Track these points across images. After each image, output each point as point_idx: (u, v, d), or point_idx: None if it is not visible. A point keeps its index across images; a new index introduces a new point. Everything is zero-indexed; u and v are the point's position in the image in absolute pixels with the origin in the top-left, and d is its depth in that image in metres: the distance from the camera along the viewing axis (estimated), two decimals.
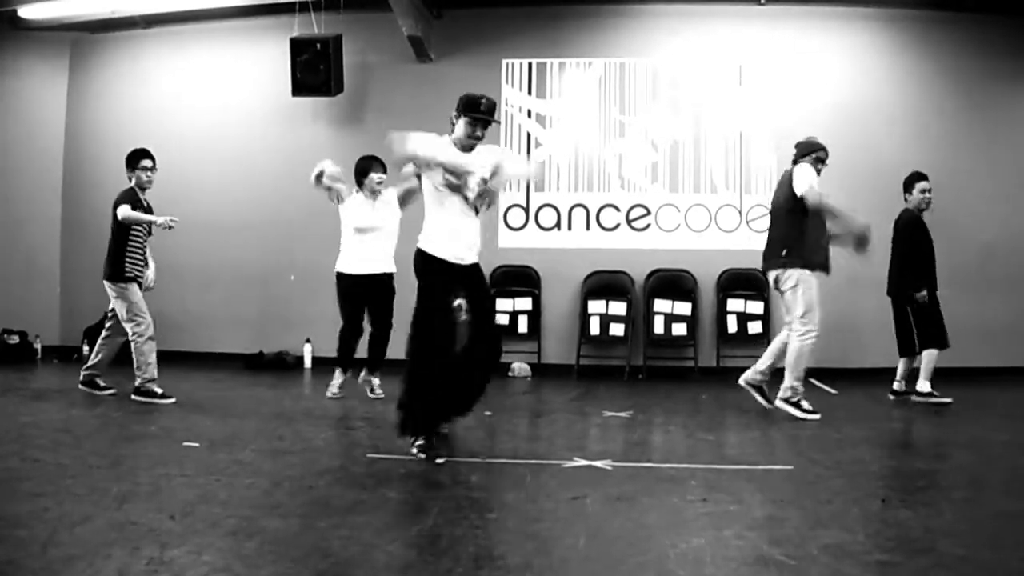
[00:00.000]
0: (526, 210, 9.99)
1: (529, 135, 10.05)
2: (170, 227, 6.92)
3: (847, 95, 9.75)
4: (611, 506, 3.98)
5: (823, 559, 3.19)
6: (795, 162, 6.79)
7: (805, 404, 6.58)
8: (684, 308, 9.64)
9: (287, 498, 4.02)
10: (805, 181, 6.53)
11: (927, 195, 7.55)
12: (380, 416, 6.32)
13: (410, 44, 9.76)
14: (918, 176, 7.65)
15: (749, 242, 9.52)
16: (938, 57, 9.79)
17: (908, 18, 9.83)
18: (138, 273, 7.19)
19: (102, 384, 7.28)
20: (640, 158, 9.96)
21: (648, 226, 9.94)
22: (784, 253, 6.64)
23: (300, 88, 9.74)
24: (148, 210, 7.21)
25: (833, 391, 8.18)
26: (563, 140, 10.04)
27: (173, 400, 6.91)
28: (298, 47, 9.61)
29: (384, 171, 7.19)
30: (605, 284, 9.66)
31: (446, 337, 5.09)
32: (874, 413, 7.24)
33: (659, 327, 9.57)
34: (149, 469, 4.47)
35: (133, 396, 6.99)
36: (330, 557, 2.98)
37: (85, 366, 7.44)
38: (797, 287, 6.57)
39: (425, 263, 5.15)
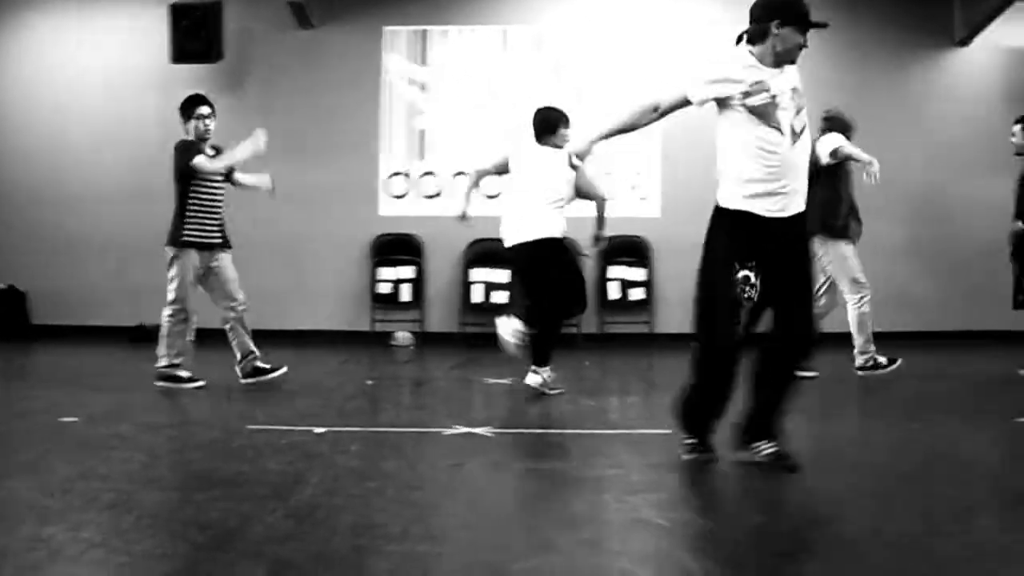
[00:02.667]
0: (407, 178, 9.98)
1: (410, 103, 10.03)
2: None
3: None
4: (491, 473, 4.05)
5: (700, 521, 3.30)
6: (824, 132, 6.87)
7: (881, 359, 6.84)
8: (502, 276, 9.67)
9: (166, 472, 4.00)
10: (830, 144, 6.72)
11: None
12: (262, 388, 6.28)
13: (291, 11, 9.63)
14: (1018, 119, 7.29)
15: (633, 209, 9.70)
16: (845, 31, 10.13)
17: None
18: (203, 238, 6.38)
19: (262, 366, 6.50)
20: (519, 124, 9.97)
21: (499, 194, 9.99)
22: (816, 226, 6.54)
23: (180, 55, 9.56)
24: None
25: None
26: (444, 107, 10.04)
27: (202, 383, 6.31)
28: (178, 13, 9.43)
29: None
30: (488, 252, 9.62)
31: (728, 317, 3.90)
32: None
33: (480, 295, 9.72)
34: (28, 446, 4.38)
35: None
36: (208, 530, 2.97)
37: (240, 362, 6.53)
38: (832, 259, 6.80)
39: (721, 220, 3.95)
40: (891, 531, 3.11)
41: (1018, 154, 7.15)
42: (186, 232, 6.30)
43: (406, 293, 9.75)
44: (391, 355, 8.85)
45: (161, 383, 6.25)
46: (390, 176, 9.96)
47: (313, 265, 10.00)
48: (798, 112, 3.82)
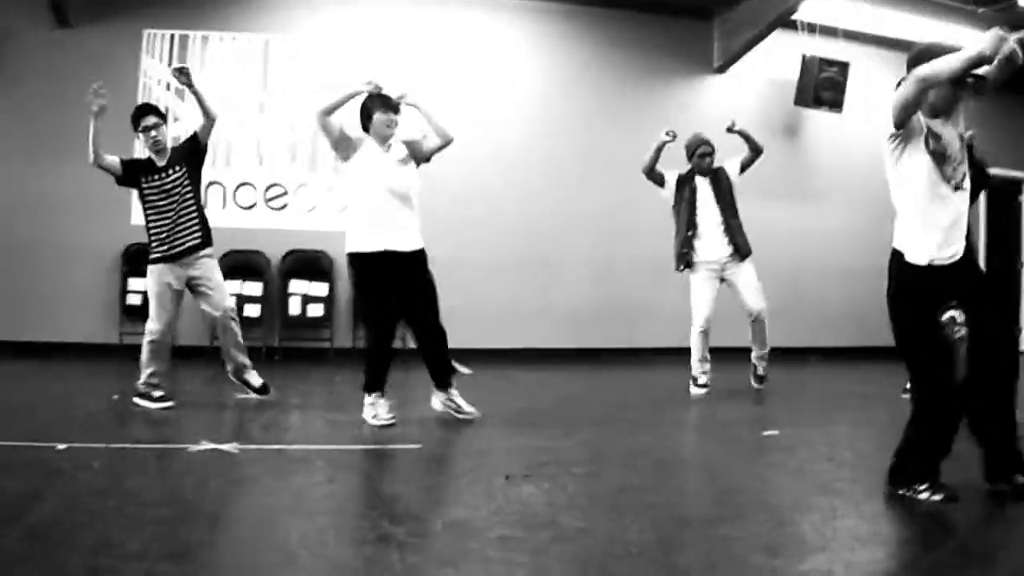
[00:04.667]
0: None
1: (168, 109, 9.81)
2: None
3: (493, 79, 10.46)
4: (235, 489, 4.10)
5: (445, 536, 3.37)
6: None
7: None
8: (321, 289, 9.82)
9: None
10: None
11: None
12: None
13: (50, 9, 9.26)
14: None
15: (315, 223, 10.00)
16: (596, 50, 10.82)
17: (560, 11, 10.71)
18: (162, 253, 6.35)
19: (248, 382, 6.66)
20: (280, 137, 10.00)
21: (285, 206, 10.02)
22: None
23: None
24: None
25: (468, 370, 8.64)
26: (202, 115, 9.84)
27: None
28: None
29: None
30: (240, 264, 9.56)
31: (944, 362, 3.90)
32: (506, 392, 7.74)
33: (295, 308, 9.69)
34: None
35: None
36: None
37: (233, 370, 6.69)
38: None
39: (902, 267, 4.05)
40: (632, 541, 3.34)
41: None
42: (152, 248, 6.37)
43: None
44: (139, 372, 8.58)
45: (137, 401, 6.29)
46: None
47: (58, 274, 9.54)
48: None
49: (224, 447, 4.87)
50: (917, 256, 3.96)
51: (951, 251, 3.94)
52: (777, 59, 11.30)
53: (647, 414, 6.68)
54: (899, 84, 4.00)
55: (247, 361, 6.65)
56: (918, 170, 3.94)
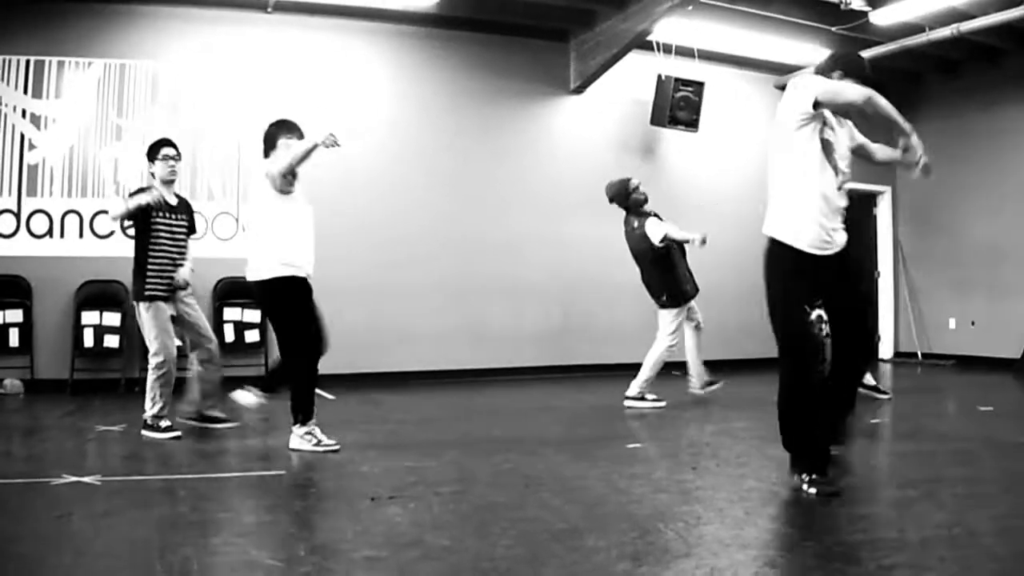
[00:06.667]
0: (17, 216, 9.52)
1: (23, 136, 9.60)
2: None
3: (354, 101, 10.57)
4: (98, 522, 4.06)
5: (311, 559, 3.40)
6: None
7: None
8: (254, 316, 9.78)
9: None
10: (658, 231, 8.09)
11: None
12: None
13: None
14: None
15: (246, 250, 9.80)
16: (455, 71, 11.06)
17: (416, 34, 10.90)
18: (162, 290, 6.47)
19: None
20: (137, 163, 9.84)
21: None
22: None
23: None
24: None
25: (331, 396, 8.68)
26: (58, 142, 9.69)
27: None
28: None
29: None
30: (100, 294, 9.39)
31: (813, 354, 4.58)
32: (370, 416, 7.80)
33: (231, 335, 9.63)
34: None
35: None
36: None
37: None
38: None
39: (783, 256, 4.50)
40: (499, 556, 3.46)
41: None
42: (150, 284, 6.43)
43: (14, 338, 9.20)
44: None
45: (146, 433, 6.33)
46: None
47: None
48: None
49: (86, 479, 4.83)
50: (798, 242, 4.38)
51: (830, 241, 4.42)
52: (634, 79, 11.72)
53: (512, 433, 6.83)
54: (815, 78, 4.55)
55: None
56: (810, 153, 4.37)
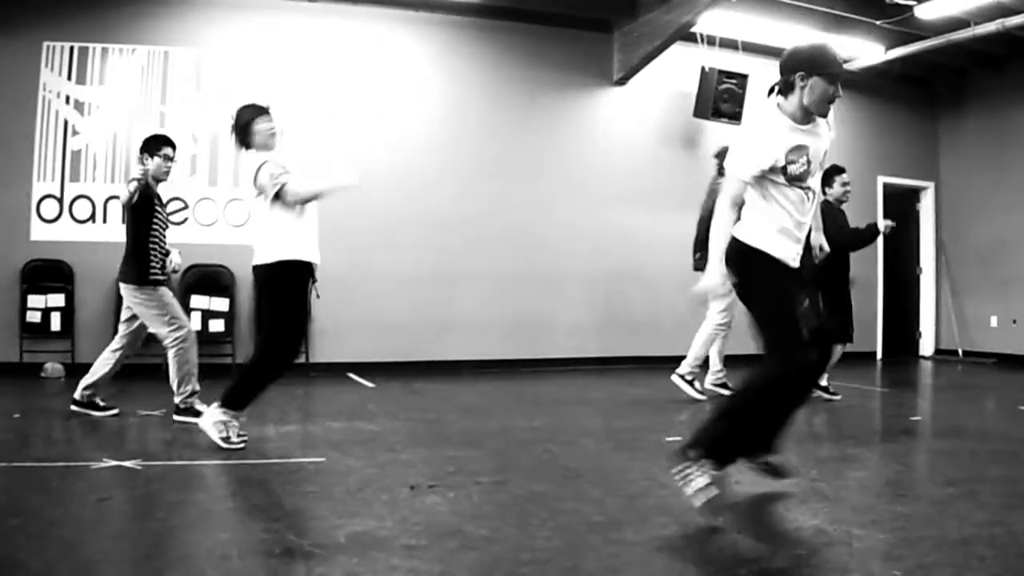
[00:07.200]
0: (60, 201, 9.60)
1: (67, 122, 9.67)
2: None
3: (397, 91, 10.54)
4: (138, 506, 4.10)
5: (351, 547, 3.38)
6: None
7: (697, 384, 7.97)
8: (222, 304, 9.81)
9: None
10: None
11: (847, 188, 7.86)
12: None
13: None
14: (836, 170, 7.80)
15: (218, 238, 10.00)
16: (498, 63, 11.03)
17: (462, 24, 10.88)
18: (160, 276, 6.58)
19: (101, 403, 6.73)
20: (180, 150, 9.86)
21: (186, 220, 9.93)
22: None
23: None
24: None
25: (371, 384, 8.68)
26: (102, 129, 9.76)
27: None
28: None
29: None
30: None
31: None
32: (411, 404, 7.78)
33: (197, 323, 9.58)
34: None
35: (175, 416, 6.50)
36: None
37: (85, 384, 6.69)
38: None
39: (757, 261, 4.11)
40: (539, 548, 3.44)
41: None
42: (153, 269, 6.53)
43: (56, 322, 9.33)
44: (41, 387, 8.46)
45: (179, 418, 6.42)
46: (42, 199, 9.53)
47: None
48: None
49: (127, 464, 4.86)
50: (775, 252, 4.08)
51: (796, 253, 4.13)
52: (677, 71, 11.64)
53: (552, 424, 6.80)
54: (772, 90, 4.05)
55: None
56: (780, 199, 4.02)
